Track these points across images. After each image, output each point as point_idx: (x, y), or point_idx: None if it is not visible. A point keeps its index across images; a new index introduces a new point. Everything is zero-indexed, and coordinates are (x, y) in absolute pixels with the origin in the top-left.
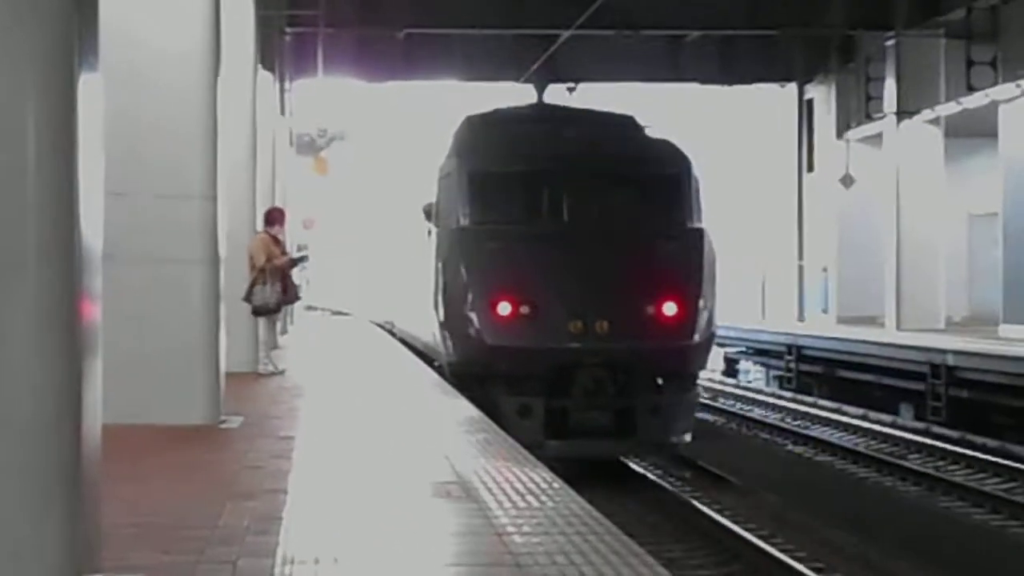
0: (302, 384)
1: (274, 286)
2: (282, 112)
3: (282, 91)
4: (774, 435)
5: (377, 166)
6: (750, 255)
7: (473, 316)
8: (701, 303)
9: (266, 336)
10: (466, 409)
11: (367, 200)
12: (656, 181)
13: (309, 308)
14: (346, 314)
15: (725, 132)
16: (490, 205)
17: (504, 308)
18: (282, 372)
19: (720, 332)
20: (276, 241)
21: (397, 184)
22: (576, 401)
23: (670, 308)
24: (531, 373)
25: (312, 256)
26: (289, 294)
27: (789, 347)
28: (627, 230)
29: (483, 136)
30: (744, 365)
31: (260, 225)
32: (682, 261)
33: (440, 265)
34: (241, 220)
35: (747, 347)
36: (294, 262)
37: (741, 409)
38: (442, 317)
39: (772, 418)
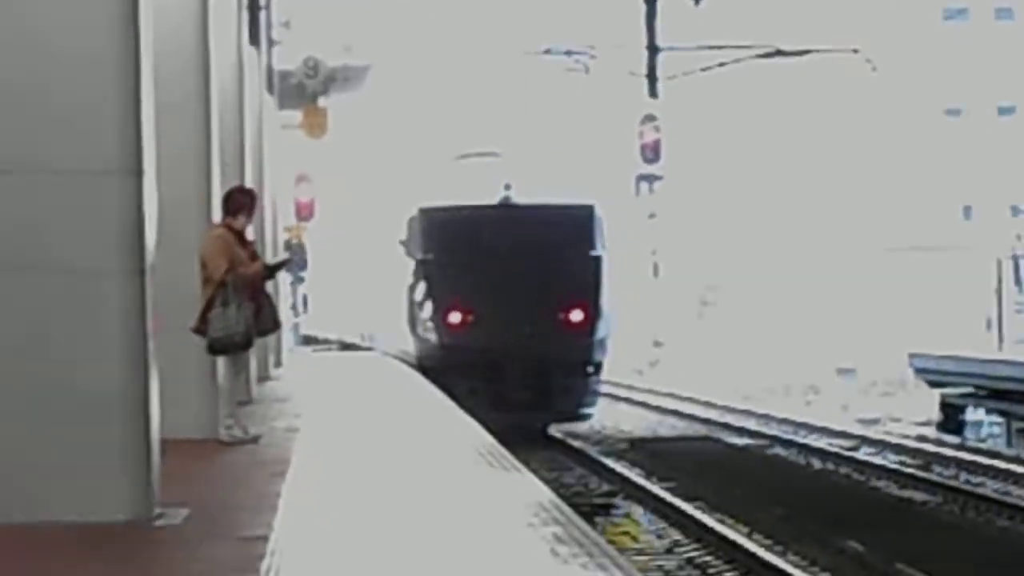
0: (286, 456)
1: (241, 308)
2: (254, 41)
3: (254, 8)
4: (1018, 521)
5: (401, 122)
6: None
7: (431, 324)
8: (600, 310)
9: (230, 385)
10: (531, 489)
11: (389, 172)
12: (566, 221)
13: (307, 341)
14: (364, 348)
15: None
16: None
17: (455, 317)
18: (255, 439)
19: (929, 364)
20: (242, 240)
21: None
22: (508, 384)
23: (576, 315)
24: (475, 365)
25: (310, 261)
26: (264, 319)
27: None
28: (543, 258)
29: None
30: (973, 415)
31: (218, 215)
32: (585, 280)
33: (410, 287)
34: (186, 207)
35: (976, 387)
36: (271, 270)
37: (967, 483)
38: (411, 326)
39: (1016, 495)
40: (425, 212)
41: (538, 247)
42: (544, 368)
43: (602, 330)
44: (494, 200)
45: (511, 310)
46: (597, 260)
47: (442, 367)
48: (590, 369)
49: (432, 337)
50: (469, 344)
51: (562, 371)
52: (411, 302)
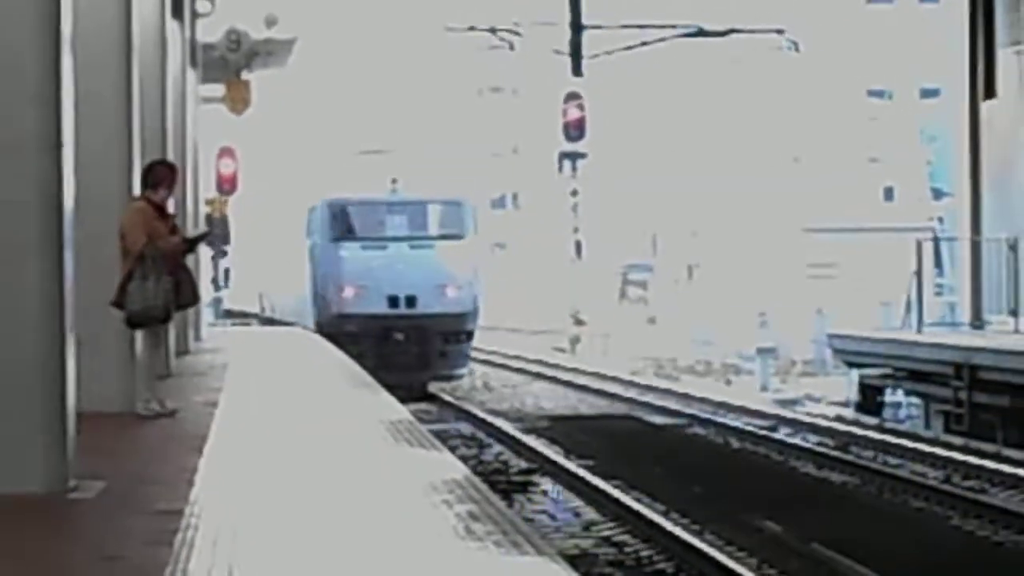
0: (204, 431)
1: (160, 281)
2: (177, 15)
3: None
4: (934, 503)
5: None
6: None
7: (329, 294)
8: (470, 287)
9: (148, 359)
10: (447, 466)
11: (313, 146)
12: (444, 212)
13: (228, 315)
14: (288, 323)
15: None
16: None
17: (348, 291)
18: (172, 413)
19: (848, 346)
20: (162, 213)
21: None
22: (392, 348)
23: (452, 289)
24: (365, 330)
25: (236, 235)
26: (184, 292)
27: (959, 368)
28: (423, 241)
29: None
30: (893, 397)
31: (137, 188)
32: (458, 259)
33: (312, 263)
34: (106, 179)
35: (895, 369)
36: (190, 244)
37: (885, 464)
38: (313, 299)
39: (933, 477)
40: (326, 203)
41: (418, 233)
42: (424, 334)
43: (472, 303)
44: (384, 192)
45: (394, 285)
46: (467, 244)
47: (337, 332)
48: (463, 337)
49: (332, 308)
50: (359, 312)
51: (440, 338)
52: (313, 278)
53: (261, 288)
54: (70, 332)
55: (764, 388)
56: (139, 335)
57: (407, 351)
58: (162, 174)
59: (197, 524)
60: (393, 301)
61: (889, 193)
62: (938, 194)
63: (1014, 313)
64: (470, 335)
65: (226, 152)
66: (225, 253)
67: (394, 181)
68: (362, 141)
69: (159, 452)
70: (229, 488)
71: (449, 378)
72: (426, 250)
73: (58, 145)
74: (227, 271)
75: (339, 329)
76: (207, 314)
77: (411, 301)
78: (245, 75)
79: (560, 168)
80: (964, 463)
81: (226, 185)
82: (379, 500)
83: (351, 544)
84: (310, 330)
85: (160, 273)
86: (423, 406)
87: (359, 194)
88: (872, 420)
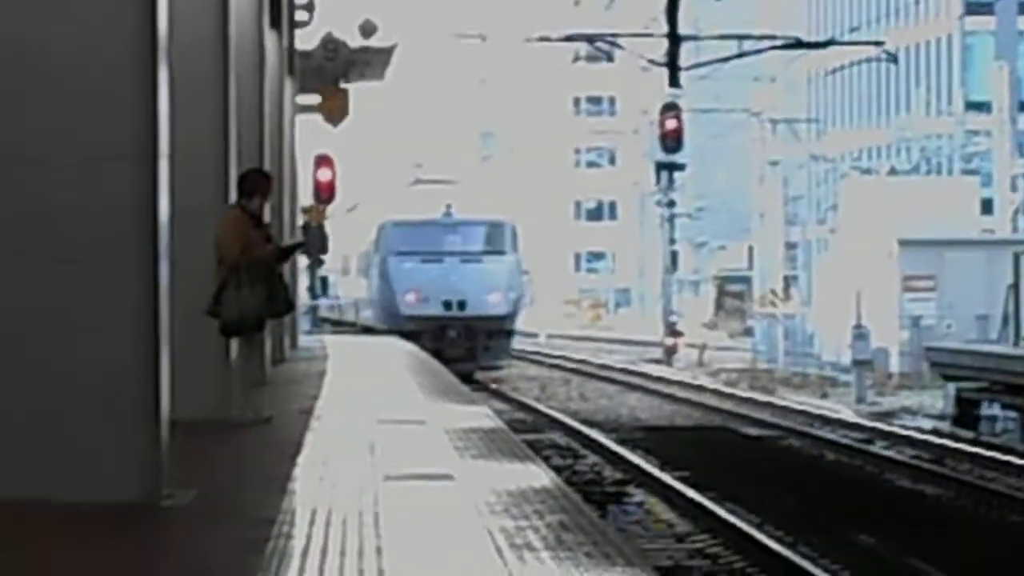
0: (298, 438)
1: (254, 290)
2: (275, 24)
3: None
4: None
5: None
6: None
7: (396, 299)
8: (512, 295)
9: (243, 366)
10: (540, 476)
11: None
12: (488, 232)
13: (329, 322)
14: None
15: None
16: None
17: (411, 296)
18: (267, 421)
19: (945, 359)
20: (257, 222)
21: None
22: (446, 343)
23: (495, 296)
24: (425, 329)
25: (331, 243)
26: (277, 301)
27: None
28: (471, 256)
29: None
30: (989, 410)
31: (234, 197)
32: (500, 271)
33: (378, 272)
34: (203, 189)
35: (991, 382)
36: (284, 253)
37: (980, 478)
38: (380, 304)
39: None
40: (393, 223)
41: (468, 249)
42: (472, 332)
43: (514, 306)
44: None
45: (448, 291)
46: (508, 259)
47: (403, 331)
48: (504, 335)
49: (398, 310)
50: (420, 314)
51: (485, 335)
52: (382, 286)
53: (356, 296)
54: (165, 340)
55: (860, 400)
56: (234, 343)
57: (458, 345)
58: (257, 183)
59: (289, 533)
60: (447, 305)
61: (987, 206)
62: None
63: None
64: (510, 333)
65: (324, 160)
66: (322, 262)
67: (448, 206)
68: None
69: (253, 460)
70: (322, 497)
71: (492, 368)
72: (474, 264)
73: (154, 155)
74: (324, 280)
75: (403, 327)
76: (303, 322)
77: (462, 305)
78: (344, 85)
79: (657, 179)
80: None
81: (324, 193)
82: (470, 509)
83: (441, 555)
84: (380, 329)
85: (254, 282)
86: (519, 415)
87: (419, 216)
88: (968, 434)
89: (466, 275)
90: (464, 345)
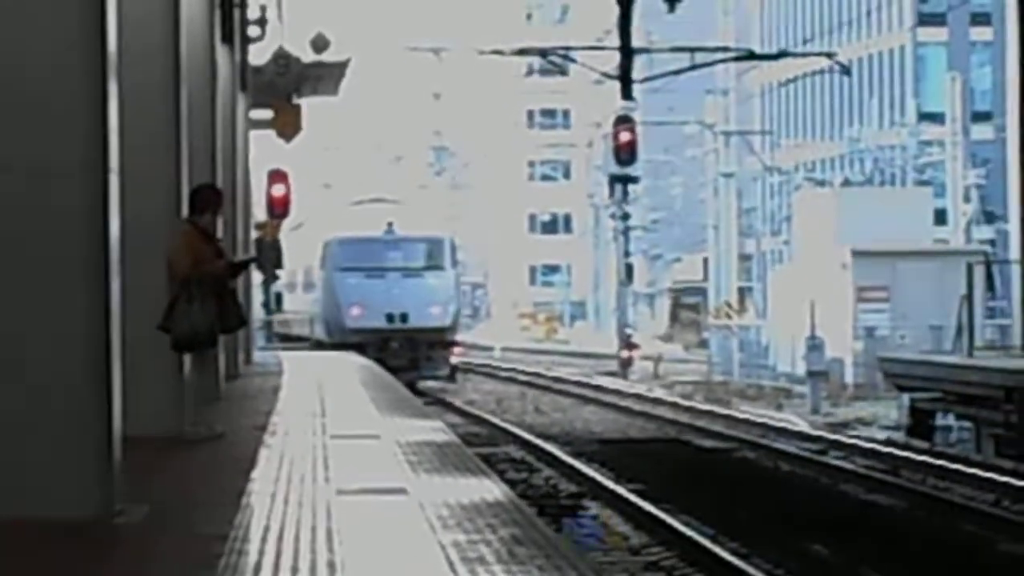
0: (251, 454)
1: (206, 305)
2: (226, 39)
3: (228, 5)
4: (984, 527)
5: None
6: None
7: (342, 313)
8: (451, 307)
9: (196, 382)
10: (493, 489)
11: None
12: (428, 248)
13: (281, 339)
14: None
15: None
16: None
17: (355, 310)
18: (221, 435)
19: (899, 369)
20: (208, 237)
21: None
22: (389, 354)
23: (436, 308)
24: (369, 341)
25: (286, 258)
26: (228, 316)
27: (1009, 391)
28: (412, 271)
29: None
30: (943, 421)
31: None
32: (441, 285)
33: (324, 287)
34: (154, 204)
35: (946, 392)
36: (236, 268)
37: (935, 488)
38: (324, 314)
39: (983, 501)
40: (337, 240)
41: (409, 265)
42: (414, 343)
43: (453, 318)
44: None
45: (391, 305)
46: (447, 273)
47: (347, 344)
48: (444, 345)
49: (342, 323)
50: (364, 327)
51: (426, 346)
52: (327, 300)
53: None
54: (117, 355)
55: (815, 411)
56: (187, 359)
57: (401, 356)
58: (208, 198)
59: (242, 549)
60: (390, 318)
61: (940, 216)
62: (990, 217)
63: None
64: (449, 344)
65: (278, 175)
66: (277, 277)
67: (390, 224)
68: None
69: (206, 476)
70: (275, 512)
71: (434, 378)
72: (415, 278)
73: (105, 169)
74: (279, 295)
75: (348, 340)
76: (258, 338)
77: (404, 317)
78: (297, 100)
79: (611, 192)
80: (1015, 487)
81: (278, 208)
82: (423, 524)
83: (393, 568)
84: (324, 342)
85: (205, 297)
86: (473, 429)
87: (362, 233)
88: (923, 444)
89: (407, 289)
90: (407, 356)
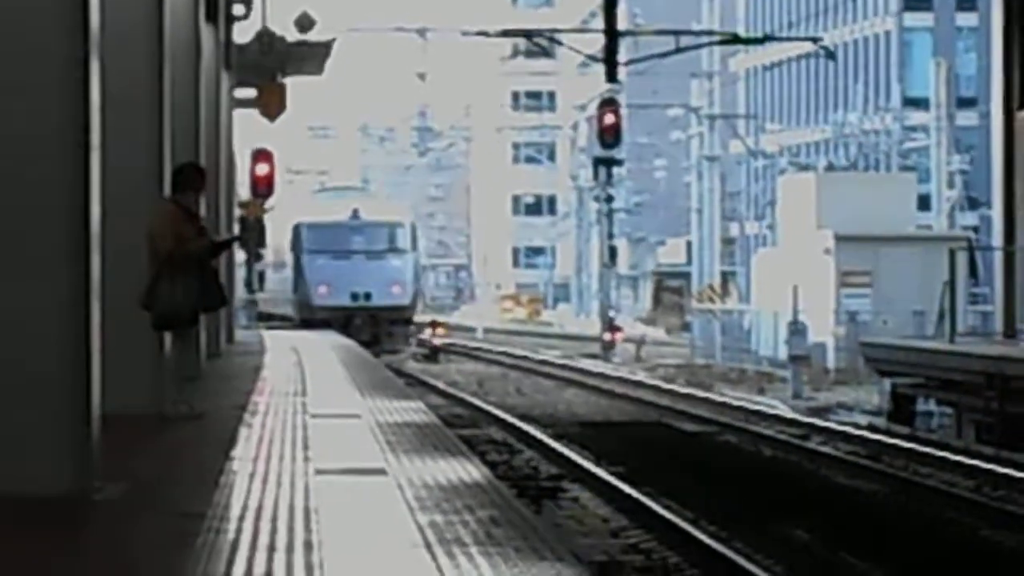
0: (231, 434)
1: (187, 283)
2: (210, 17)
3: None
4: (965, 513)
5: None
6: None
7: (310, 292)
8: (411, 287)
9: (176, 361)
10: (472, 470)
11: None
12: (390, 232)
13: (262, 318)
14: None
15: None
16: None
17: (322, 289)
18: (200, 416)
19: (881, 354)
20: (191, 216)
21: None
22: (353, 330)
23: (396, 288)
24: (334, 318)
25: (269, 237)
26: (210, 295)
27: (991, 377)
28: (375, 254)
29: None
30: (925, 406)
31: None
32: (402, 267)
33: (293, 268)
34: (135, 181)
35: (927, 378)
36: (218, 247)
37: (915, 473)
38: (294, 293)
39: (963, 487)
40: (306, 225)
41: (372, 248)
42: (376, 320)
43: (412, 298)
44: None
45: (356, 284)
46: (408, 255)
47: (316, 321)
48: (404, 323)
49: (310, 302)
50: (331, 305)
51: (387, 323)
52: (296, 280)
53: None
54: (97, 333)
55: (797, 396)
56: (168, 337)
57: (363, 332)
58: (190, 177)
59: (220, 527)
60: (354, 296)
61: (924, 202)
62: (974, 203)
63: None
64: (409, 321)
65: (262, 155)
66: (260, 256)
67: (355, 210)
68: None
69: (185, 454)
70: (253, 491)
71: (394, 352)
72: (378, 260)
73: (86, 147)
74: (262, 274)
75: (315, 316)
76: (240, 317)
77: (367, 296)
78: (281, 79)
79: (595, 175)
80: (995, 473)
81: (261, 188)
82: (401, 504)
83: (371, 548)
84: (296, 319)
85: (187, 276)
86: (456, 410)
87: (329, 218)
88: (904, 429)
89: (371, 270)
90: (369, 331)
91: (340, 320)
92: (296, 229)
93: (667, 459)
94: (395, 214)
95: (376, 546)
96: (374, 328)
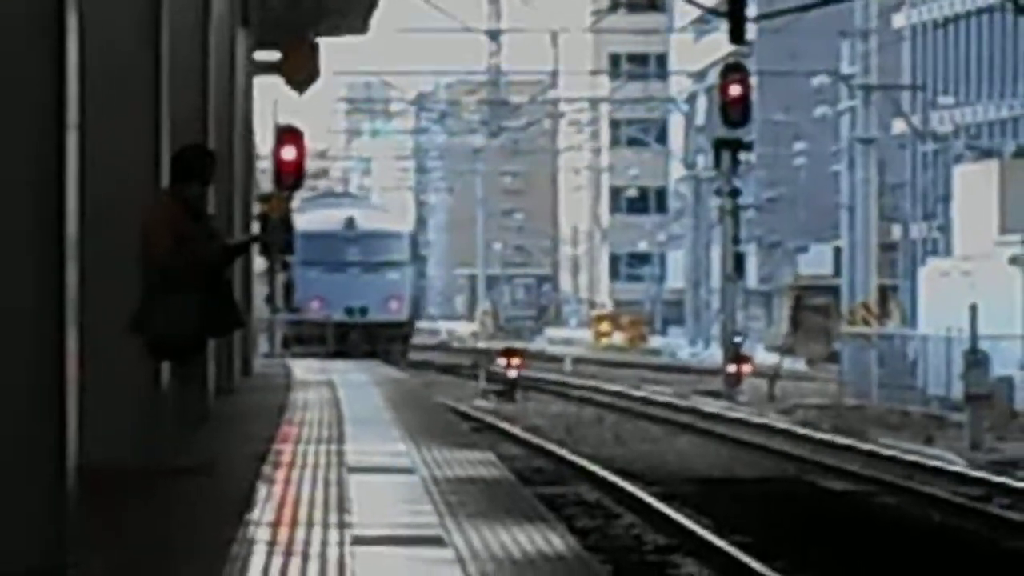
0: (247, 492)
1: (191, 299)
2: None
3: None
4: None
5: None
6: None
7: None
8: (409, 301)
9: (178, 398)
10: (556, 540)
11: None
12: (388, 243)
13: (290, 342)
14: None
15: None
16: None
17: (316, 303)
18: (208, 468)
19: None
20: (196, 213)
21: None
22: (348, 345)
23: (393, 303)
24: (328, 333)
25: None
26: (223, 314)
27: None
28: (371, 266)
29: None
30: None
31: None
32: (400, 280)
33: (284, 285)
34: (125, 169)
35: None
36: (232, 252)
37: None
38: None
39: None
40: (299, 234)
41: (368, 260)
42: (372, 336)
43: (409, 313)
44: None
45: (351, 299)
46: (406, 268)
47: (309, 336)
48: (401, 339)
49: (304, 315)
50: (324, 319)
51: (384, 339)
52: (285, 295)
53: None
54: (73, 365)
55: (976, 446)
56: (166, 368)
57: (359, 347)
58: (196, 163)
59: None
60: (349, 311)
61: None
62: None
63: None
64: (406, 338)
65: (289, 135)
66: (286, 264)
67: (350, 218)
68: None
69: (186, 519)
70: (273, 568)
71: (388, 363)
72: (374, 273)
73: (60, 125)
74: (288, 287)
75: (309, 331)
76: (260, 342)
77: (363, 311)
78: (315, 39)
79: (717, 162)
80: None
81: (287, 177)
82: None
83: None
84: (287, 334)
85: (191, 290)
86: (536, 463)
87: (323, 227)
88: None
89: (367, 284)
90: (364, 347)
91: (334, 334)
92: None
93: (807, 527)
94: (393, 223)
95: None
96: (370, 344)
